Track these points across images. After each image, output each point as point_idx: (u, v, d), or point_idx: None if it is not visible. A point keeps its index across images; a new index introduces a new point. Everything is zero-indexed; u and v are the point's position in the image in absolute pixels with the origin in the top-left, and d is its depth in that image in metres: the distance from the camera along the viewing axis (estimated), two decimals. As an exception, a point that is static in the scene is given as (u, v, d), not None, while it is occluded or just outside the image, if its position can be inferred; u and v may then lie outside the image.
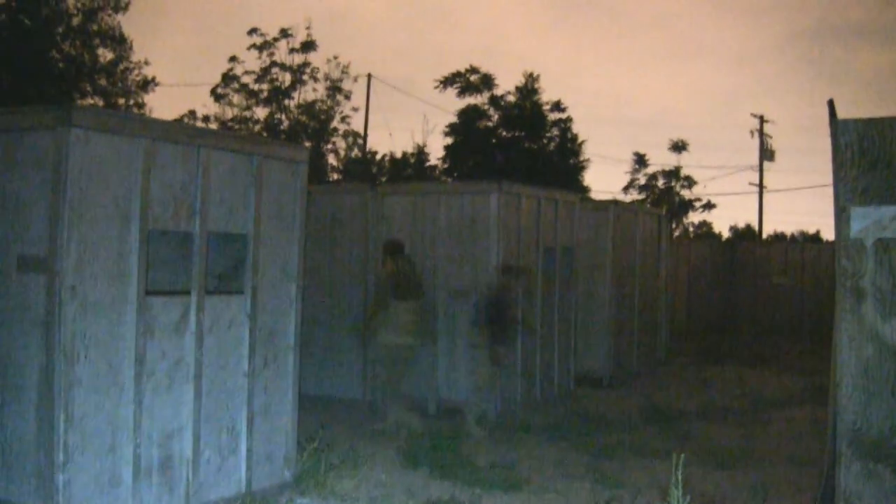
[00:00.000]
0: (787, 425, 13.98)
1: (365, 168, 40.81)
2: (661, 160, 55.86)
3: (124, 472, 7.65)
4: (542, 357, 15.23)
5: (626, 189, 45.41)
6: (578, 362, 16.77)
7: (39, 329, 7.35)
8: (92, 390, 7.41)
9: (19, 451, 7.46)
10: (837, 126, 6.78)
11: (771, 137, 52.73)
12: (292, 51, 40.18)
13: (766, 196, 52.22)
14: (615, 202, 18.93)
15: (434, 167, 38.84)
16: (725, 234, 62.51)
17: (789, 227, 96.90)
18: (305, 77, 40.52)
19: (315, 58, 40.71)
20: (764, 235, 54.00)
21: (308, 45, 40.13)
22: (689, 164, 53.20)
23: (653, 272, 20.23)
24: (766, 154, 51.80)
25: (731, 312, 30.84)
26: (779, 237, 65.98)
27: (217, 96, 39.88)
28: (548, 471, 10.68)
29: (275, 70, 40.10)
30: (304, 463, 9.51)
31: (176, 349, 8.09)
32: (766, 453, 11.87)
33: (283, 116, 40.58)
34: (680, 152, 44.96)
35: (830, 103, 6.88)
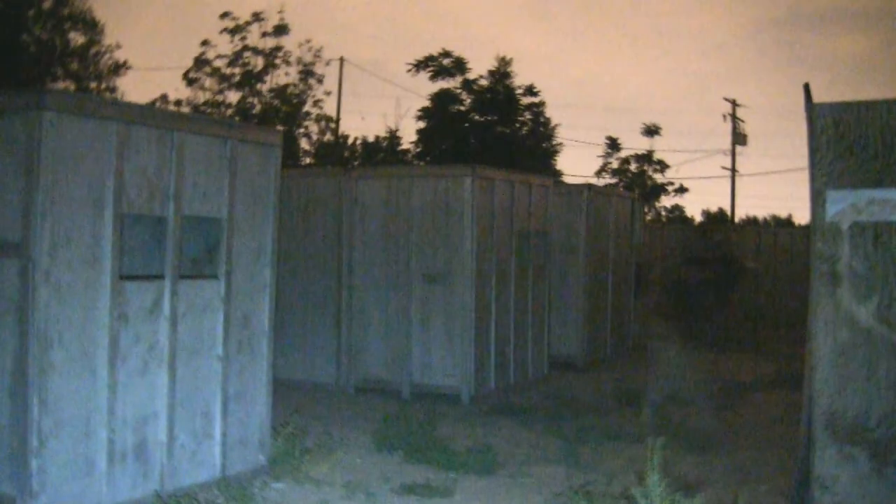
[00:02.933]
0: (762, 409, 14.06)
1: (337, 152, 40.65)
2: (633, 144, 55.91)
3: (98, 458, 7.62)
4: (517, 341, 15.25)
5: (598, 173, 45.46)
6: (552, 346, 16.81)
7: (13, 314, 7.30)
8: (66, 375, 7.37)
9: (-8, 436, 7.43)
10: (813, 110, 6.81)
11: (743, 122, 53.10)
12: (265, 34, 39.96)
13: (738, 180, 52.60)
14: (589, 186, 18.93)
15: (407, 151, 38.70)
16: (698, 218, 62.72)
17: (761, 212, 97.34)
18: (278, 61, 40.30)
19: (287, 42, 40.49)
20: (736, 219, 54.24)
21: (280, 29, 39.90)
22: (661, 148, 53.35)
23: (626, 256, 20.26)
24: (739, 138, 52.05)
25: (704, 296, 30.87)
26: (751, 221, 66.32)
27: (189, 80, 39.62)
28: (522, 455, 10.72)
29: (247, 54, 39.85)
30: (279, 447, 9.48)
31: (150, 334, 8.06)
32: (742, 437, 11.94)
33: (256, 101, 40.37)
34: (652, 136, 45.04)
35: (806, 87, 6.91)
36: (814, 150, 6.80)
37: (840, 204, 6.63)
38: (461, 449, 10.66)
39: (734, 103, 52.22)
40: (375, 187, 14.46)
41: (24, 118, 7.25)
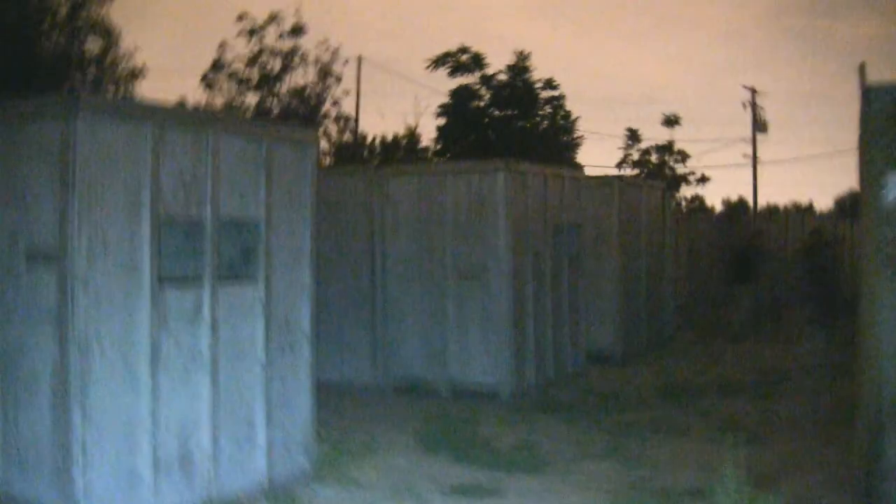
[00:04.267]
0: (804, 398, 13.79)
1: (356, 152, 40.52)
2: (653, 135, 55.43)
3: (143, 467, 7.45)
4: (554, 336, 15.05)
5: (619, 165, 45.04)
6: (588, 340, 16.59)
7: (51, 323, 7.14)
8: (107, 384, 7.21)
9: (35, 448, 7.28)
10: (870, 91, 6.60)
11: (763, 109, 52.61)
12: (281, 36, 39.85)
13: (758, 168, 52.15)
14: (619, 177, 18.80)
15: (426, 149, 38.58)
16: (718, 207, 62.32)
17: (782, 199, 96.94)
18: (295, 62, 40.20)
19: (304, 42, 40.37)
20: (757, 208, 53.86)
21: (297, 30, 39.77)
22: (681, 138, 52.73)
23: (658, 247, 20.03)
24: (759, 126, 51.63)
25: (733, 286, 30.64)
26: (772, 209, 65.91)
27: (207, 83, 39.53)
28: (568, 451, 10.52)
29: (264, 55, 39.77)
30: (323, 451, 9.31)
31: (191, 340, 7.89)
32: (789, 427, 11.68)
33: (275, 102, 40.26)
34: (672, 127, 44.52)
35: (862, 68, 6.70)
36: (870, 133, 6.59)
37: (900, 187, 6.42)
38: (506, 447, 10.48)
39: (754, 91, 51.83)
40: (407, 184, 14.28)
41: (58, 124, 7.08)
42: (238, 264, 8.47)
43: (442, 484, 9.08)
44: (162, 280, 7.62)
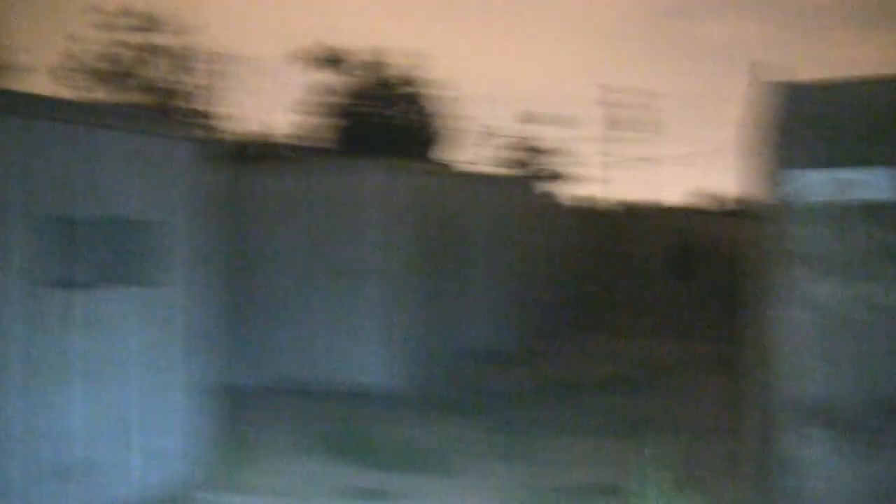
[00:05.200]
0: (692, 394, 13.94)
1: (212, 148, 39.80)
2: (515, 132, 56.07)
3: (14, 478, 7.02)
4: (437, 335, 14.97)
5: (484, 162, 45.46)
6: (470, 338, 16.56)
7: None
8: (-20, 394, 6.81)
9: None
10: (771, 89, 6.71)
11: (622, 107, 53.69)
12: (134, 29, 39.01)
13: (625, 166, 53.24)
14: (494, 174, 18.84)
15: (286, 145, 38.24)
16: (577, 204, 63.15)
17: (638, 196, 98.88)
18: (149, 56, 39.39)
19: (160, 36, 39.60)
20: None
21: (153, 23, 39.02)
22: (545, 135, 53.66)
23: (537, 244, 20.12)
24: (618, 124, 52.75)
25: (607, 283, 31.04)
26: (639, 206, 67.09)
27: (58, 77, 38.46)
28: (466, 452, 10.24)
29: (118, 49, 38.87)
30: (212, 457, 8.96)
31: (68, 345, 7.53)
32: (682, 423, 11.68)
33: (127, 97, 39.37)
34: (535, 124, 45.21)
35: (757, 67, 6.81)
36: (772, 130, 6.69)
37: (800, 184, 6.53)
38: (402, 449, 10.14)
39: (611, 89, 52.94)
40: (283, 181, 13.98)
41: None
42: (126, 266, 8.09)
43: (342, 488, 8.71)
44: (38, 282, 7.29)
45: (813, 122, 6.53)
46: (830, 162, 6.49)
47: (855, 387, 6.43)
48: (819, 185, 6.48)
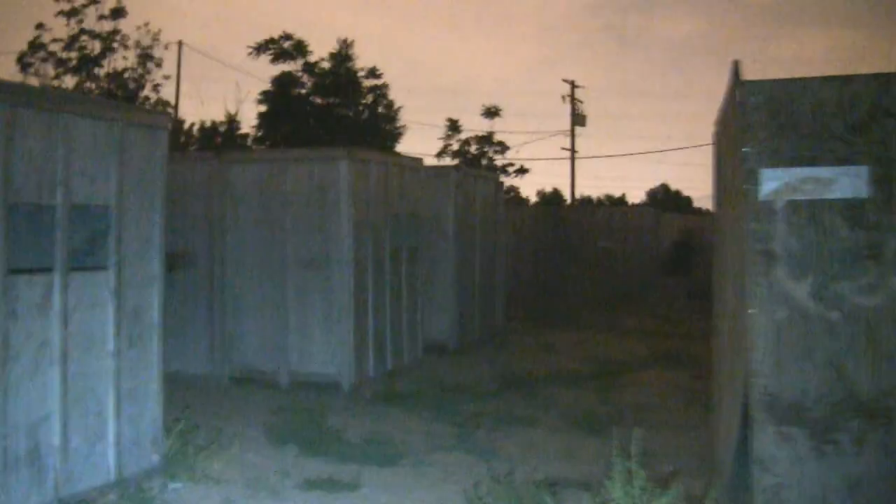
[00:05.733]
0: (643, 388, 14.09)
1: (174, 137, 39.52)
2: (474, 126, 56.03)
3: (-12, 465, 7.07)
4: (393, 326, 15.00)
5: (439, 155, 45.17)
6: (425, 330, 16.57)
7: None
8: (-48, 378, 6.81)
9: None
10: (746, 87, 6.74)
11: (582, 102, 53.84)
12: (101, 17, 38.62)
13: (577, 161, 53.30)
14: (456, 167, 18.83)
15: (246, 136, 37.96)
16: (533, 198, 63.35)
17: (595, 192, 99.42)
18: (115, 45, 39.01)
19: (125, 25, 39.19)
20: (574, 199, 55.03)
21: (118, 12, 38.58)
22: (502, 129, 53.67)
23: (491, 238, 20.15)
24: (578, 119, 52.84)
25: (559, 276, 31.18)
26: (586, 201, 67.44)
27: (24, 65, 38.01)
28: (419, 443, 10.47)
29: (84, 38, 38.47)
30: (172, 446, 9.01)
31: (41, 330, 7.51)
32: (634, 418, 11.79)
33: (94, 86, 38.97)
34: (492, 118, 44.98)
35: (735, 65, 6.85)
36: (745, 129, 6.72)
37: (774, 182, 6.58)
38: (356, 439, 10.38)
39: (573, 84, 52.92)
40: (248, 172, 13.97)
41: None
42: (89, 252, 8.11)
43: (296, 477, 8.93)
44: (10, 269, 7.23)
45: (787, 120, 6.58)
46: (805, 160, 6.53)
47: (829, 385, 6.48)
48: (794, 183, 6.53)
